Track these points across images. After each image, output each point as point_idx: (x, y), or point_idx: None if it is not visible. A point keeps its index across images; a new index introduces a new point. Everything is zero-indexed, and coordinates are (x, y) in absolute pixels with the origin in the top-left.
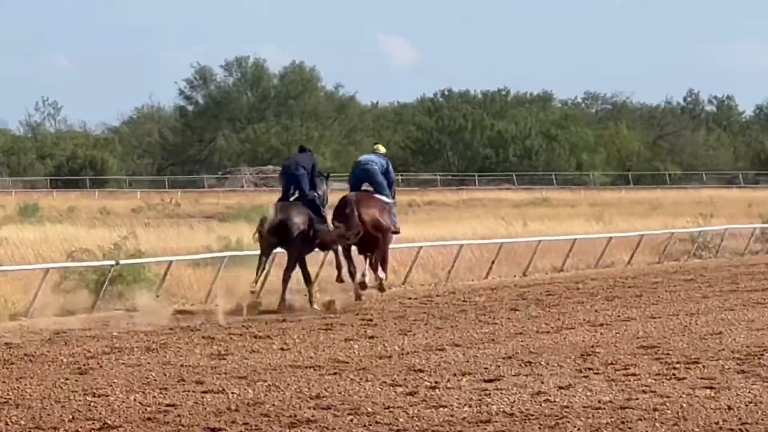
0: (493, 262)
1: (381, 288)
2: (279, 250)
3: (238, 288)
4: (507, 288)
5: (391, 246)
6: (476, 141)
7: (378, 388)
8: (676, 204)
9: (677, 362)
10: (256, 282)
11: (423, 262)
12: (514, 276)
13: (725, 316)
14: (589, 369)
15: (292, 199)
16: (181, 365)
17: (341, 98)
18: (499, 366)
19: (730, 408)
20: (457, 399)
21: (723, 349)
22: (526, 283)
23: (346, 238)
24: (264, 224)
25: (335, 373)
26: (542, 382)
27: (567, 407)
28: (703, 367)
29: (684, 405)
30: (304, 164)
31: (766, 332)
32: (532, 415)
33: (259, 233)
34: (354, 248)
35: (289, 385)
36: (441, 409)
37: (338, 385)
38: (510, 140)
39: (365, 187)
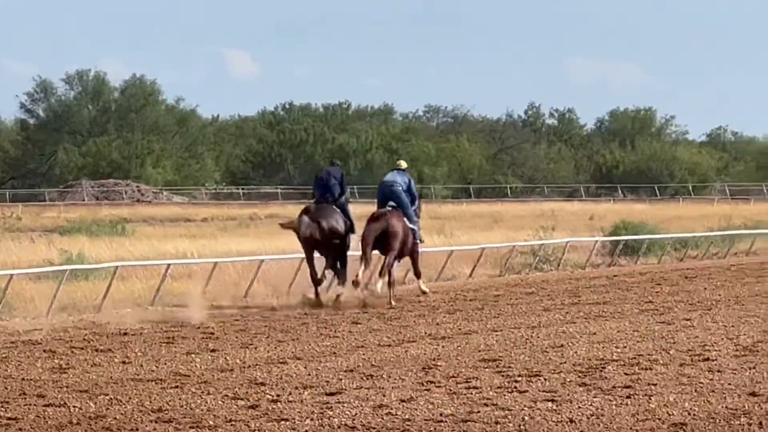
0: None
1: (391, 285)
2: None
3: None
4: (348, 301)
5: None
6: (317, 154)
7: (220, 402)
8: (518, 217)
9: (519, 375)
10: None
11: (264, 276)
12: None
13: (567, 329)
14: (431, 382)
15: (323, 203)
16: (23, 379)
17: (182, 111)
18: (341, 379)
19: (571, 421)
20: (299, 412)
21: (564, 362)
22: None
23: (368, 242)
24: (299, 225)
25: (177, 387)
26: (384, 395)
27: (409, 420)
28: (545, 379)
29: (526, 418)
30: (335, 175)
31: (607, 345)
32: (374, 428)
33: (297, 234)
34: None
35: (130, 398)
36: (282, 422)
37: (180, 399)
38: (351, 154)
39: (391, 204)
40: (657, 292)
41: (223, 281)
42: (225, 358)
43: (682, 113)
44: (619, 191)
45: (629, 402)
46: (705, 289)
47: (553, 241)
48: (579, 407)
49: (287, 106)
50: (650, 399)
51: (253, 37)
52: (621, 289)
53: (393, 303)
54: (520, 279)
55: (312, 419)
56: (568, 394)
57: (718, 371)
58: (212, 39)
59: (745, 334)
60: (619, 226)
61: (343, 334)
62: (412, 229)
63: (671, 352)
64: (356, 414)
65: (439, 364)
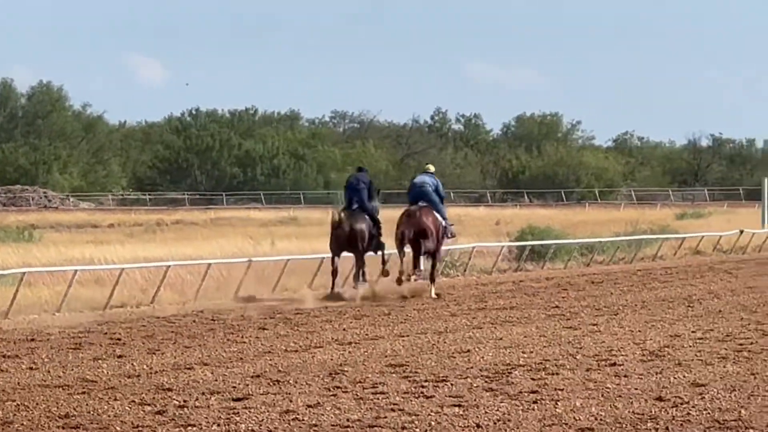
0: (241, 281)
1: (431, 280)
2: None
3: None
4: (255, 307)
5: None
6: (224, 160)
7: (127, 407)
8: None
9: (425, 380)
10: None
11: (171, 282)
12: (262, 294)
13: (473, 334)
14: (338, 387)
15: (354, 207)
16: None
17: (89, 118)
18: (248, 385)
19: (478, 426)
20: (206, 418)
21: (471, 367)
22: (275, 302)
23: (404, 240)
24: (334, 226)
25: (84, 393)
26: (291, 401)
27: (316, 426)
28: (452, 385)
29: (432, 423)
30: (363, 180)
31: (514, 350)
32: None
33: (332, 234)
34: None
35: (38, 404)
36: (189, 428)
37: (87, 405)
38: (258, 159)
39: (422, 201)
40: (563, 297)
41: (130, 287)
42: (132, 363)
43: (589, 119)
44: (526, 196)
45: (536, 407)
46: (611, 294)
47: (460, 246)
48: (485, 412)
49: (194, 112)
50: (557, 404)
51: (160, 43)
52: (527, 294)
53: (434, 295)
54: (427, 284)
55: (219, 425)
56: (475, 399)
57: (625, 376)
58: (119, 45)
59: (651, 339)
60: (526, 231)
61: (250, 340)
62: (444, 226)
63: (578, 357)
64: (263, 420)
65: (345, 369)
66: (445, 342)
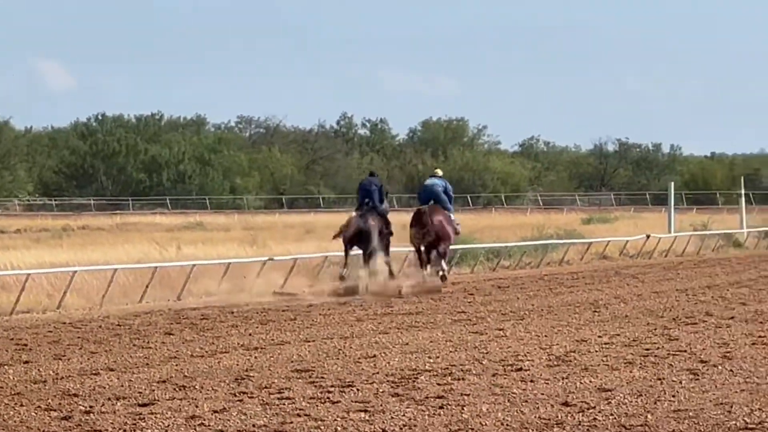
0: (147, 286)
1: (442, 277)
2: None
3: None
4: (161, 312)
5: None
6: (130, 165)
7: (33, 413)
8: (330, 227)
9: (331, 386)
10: (344, 271)
11: (77, 287)
12: (168, 300)
13: (379, 340)
14: (244, 393)
15: (366, 207)
16: None
17: None
18: (154, 390)
19: (384, 431)
20: (112, 423)
21: (377, 373)
22: (180, 307)
23: (419, 237)
24: (348, 225)
25: None
26: (197, 406)
27: (221, 431)
28: (358, 390)
29: (338, 428)
30: (375, 184)
31: (420, 355)
32: None
33: (342, 234)
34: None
35: None
36: None
37: None
38: (164, 164)
39: (432, 201)
40: (470, 302)
41: (36, 292)
42: (38, 369)
43: (495, 123)
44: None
45: (442, 412)
46: (518, 299)
47: None
48: (392, 417)
49: (100, 118)
50: (463, 409)
51: (66, 48)
52: (434, 299)
53: (446, 274)
54: (333, 289)
55: (125, 430)
56: (381, 405)
57: (531, 381)
58: (25, 51)
59: (557, 344)
60: None
61: (156, 345)
62: (452, 220)
63: (484, 363)
64: (169, 425)
65: (251, 374)
66: (351, 347)
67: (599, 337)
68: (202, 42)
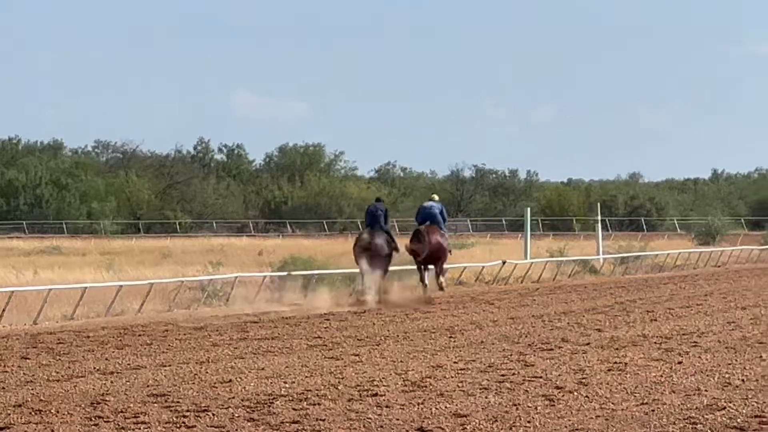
0: (3, 311)
1: (441, 288)
2: None
3: None
4: (18, 336)
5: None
6: None
7: None
8: (187, 252)
9: (187, 410)
10: (363, 285)
11: None
12: (25, 324)
13: (235, 364)
14: (100, 417)
15: (374, 228)
16: None
17: None
18: (9, 414)
19: None
20: None
21: (233, 397)
22: (36, 332)
23: (417, 254)
24: (358, 244)
25: None
26: (53, 430)
27: None
28: (213, 415)
29: None
30: (380, 209)
31: (275, 380)
32: None
33: (354, 248)
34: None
35: None
36: None
37: None
38: (20, 189)
39: (429, 222)
40: (326, 328)
41: None
42: None
43: (352, 149)
44: (288, 226)
45: None
46: (374, 324)
47: (222, 276)
48: None
49: None
50: None
51: None
52: (290, 325)
53: (443, 286)
54: (189, 314)
55: None
56: (236, 429)
57: (387, 406)
58: None
59: (413, 370)
60: (288, 261)
61: (12, 369)
62: (446, 240)
63: (339, 388)
64: None
65: (107, 399)
66: (207, 372)
67: (455, 362)
68: (60, 65)
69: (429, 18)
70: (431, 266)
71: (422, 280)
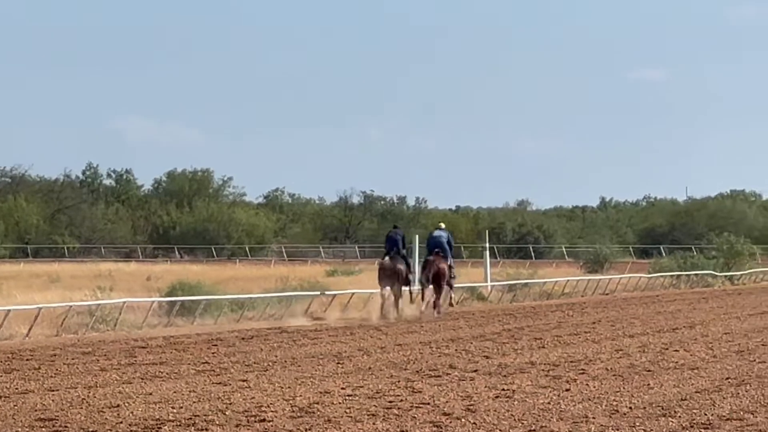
0: None
1: (451, 305)
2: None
3: None
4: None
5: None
6: None
7: None
8: (75, 277)
9: None
10: (382, 305)
11: None
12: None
13: (123, 389)
14: None
15: (393, 254)
16: None
17: None
18: None
19: None
20: None
21: (121, 422)
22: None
23: (427, 279)
24: (382, 267)
25: None
26: None
27: None
28: None
29: None
30: (399, 234)
31: (163, 405)
32: None
33: (378, 272)
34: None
35: None
36: None
37: None
38: None
39: (437, 251)
40: (213, 353)
41: None
42: None
43: (240, 174)
44: (177, 252)
45: None
46: (261, 350)
47: (110, 301)
48: None
49: None
50: None
51: None
52: (177, 350)
53: (450, 307)
54: (77, 339)
55: None
56: None
57: None
58: None
59: (301, 396)
60: (176, 286)
61: None
62: (450, 267)
63: (227, 413)
64: None
65: None
66: (95, 396)
67: (342, 388)
68: None
69: (313, 43)
70: (437, 288)
71: (423, 298)
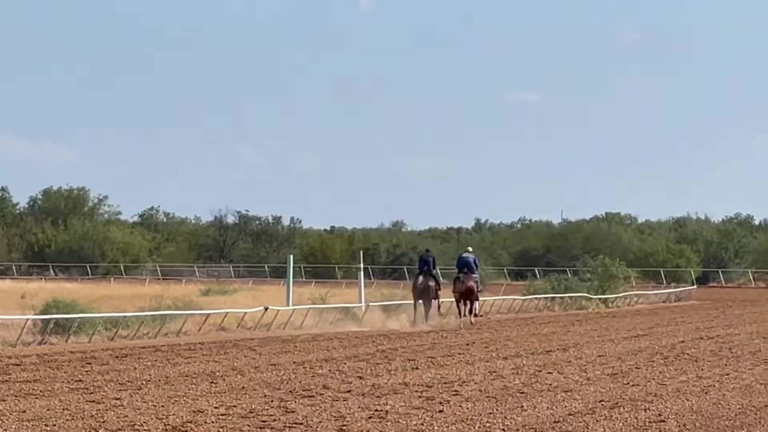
0: None
1: (476, 316)
2: None
3: None
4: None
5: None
6: None
7: None
8: None
9: None
10: (414, 315)
11: None
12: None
13: None
14: None
15: (425, 273)
16: None
17: None
18: None
19: None
20: None
21: None
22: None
23: (458, 293)
24: (415, 285)
25: None
26: None
27: None
28: None
29: None
30: (431, 257)
31: (36, 423)
32: None
33: (413, 289)
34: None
35: None
36: None
37: None
38: None
39: (466, 269)
40: (87, 371)
41: None
42: None
43: (116, 194)
44: (51, 270)
45: None
46: (135, 368)
47: None
48: None
49: None
50: None
51: None
52: (52, 368)
53: (472, 321)
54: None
55: None
56: None
57: None
58: None
59: (174, 414)
60: (51, 304)
61: None
62: (479, 285)
63: (100, 431)
64: None
65: None
66: None
67: (216, 408)
68: None
69: (186, 62)
70: (468, 302)
71: (460, 312)
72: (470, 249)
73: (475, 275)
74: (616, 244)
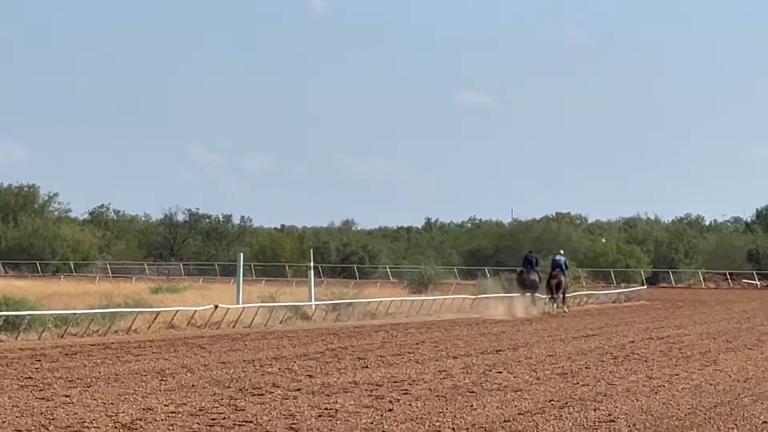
0: None
1: (566, 307)
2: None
3: None
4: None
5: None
6: None
7: None
8: None
9: None
10: (532, 300)
11: None
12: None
13: None
14: None
15: (530, 268)
16: None
17: None
18: None
19: None
20: None
21: None
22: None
23: (552, 287)
24: (522, 277)
25: None
26: None
27: None
28: None
29: None
30: (534, 257)
31: None
32: None
33: (519, 282)
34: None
35: None
36: None
37: None
38: None
39: (558, 269)
40: (37, 369)
41: None
42: None
43: (66, 191)
44: (1, 267)
45: None
46: (85, 366)
47: None
48: None
49: None
50: None
51: None
52: (1, 365)
53: (566, 310)
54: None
55: None
56: None
57: None
58: None
59: (124, 412)
60: (0, 301)
61: None
62: (567, 281)
63: (50, 429)
64: None
65: None
66: None
67: (165, 405)
68: None
69: (139, 60)
70: (559, 295)
71: (554, 302)
72: (562, 251)
73: (565, 273)
74: (566, 243)
